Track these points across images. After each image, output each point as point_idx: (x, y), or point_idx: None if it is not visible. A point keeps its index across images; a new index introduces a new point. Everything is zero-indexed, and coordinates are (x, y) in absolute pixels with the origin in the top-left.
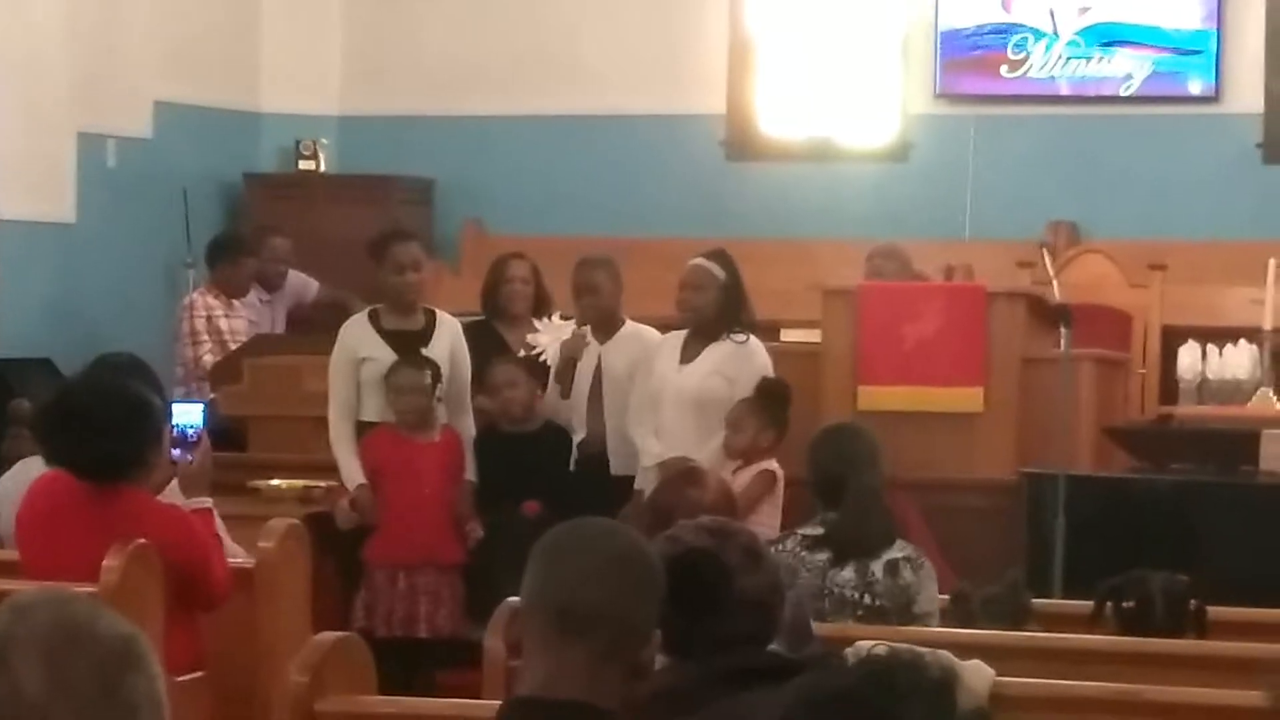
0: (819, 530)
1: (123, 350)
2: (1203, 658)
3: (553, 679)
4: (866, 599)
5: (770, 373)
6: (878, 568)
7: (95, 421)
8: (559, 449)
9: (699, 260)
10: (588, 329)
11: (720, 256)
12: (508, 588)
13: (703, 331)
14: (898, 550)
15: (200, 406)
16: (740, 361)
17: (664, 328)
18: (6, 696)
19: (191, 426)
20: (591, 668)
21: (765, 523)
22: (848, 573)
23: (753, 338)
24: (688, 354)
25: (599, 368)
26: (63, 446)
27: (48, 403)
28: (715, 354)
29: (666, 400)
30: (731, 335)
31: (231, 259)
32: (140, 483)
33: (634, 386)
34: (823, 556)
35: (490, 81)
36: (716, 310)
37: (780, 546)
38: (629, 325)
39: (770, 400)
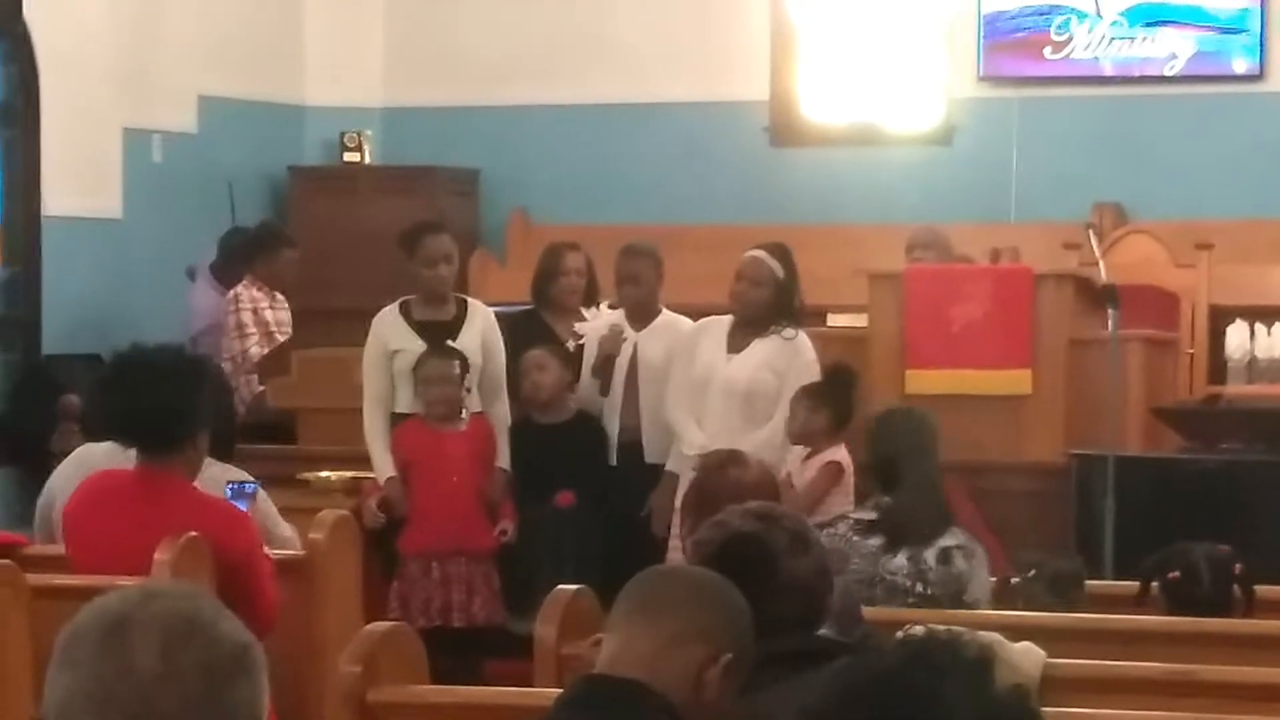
0: (872, 515)
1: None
2: (1257, 637)
3: (617, 659)
4: (919, 587)
5: (816, 369)
6: (930, 555)
7: (150, 379)
8: (593, 440)
9: (759, 254)
10: (623, 326)
11: (780, 251)
12: (543, 577)
13: (750, 323)
14: (950, 538)
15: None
16: (789, 357)
17: (708, 315)
18: (118, 671)
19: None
20: (656, 651)
21: (836, 513)
22: (900, 560)
23: (801, 333)
24: (735, 344)
25: (634, 357)
26: (117, 409)
27: (100, 373)
28: (764, 348)
29: (714, 389)
30: (780, 330)
31: (270, 252)
32: (187, 458)
33: (672, 373)
34: (875, 542)
35: (533, 70)
36: (768, 307)
37: (831, 530)
38: (665, 315)
39: (828, 385)
